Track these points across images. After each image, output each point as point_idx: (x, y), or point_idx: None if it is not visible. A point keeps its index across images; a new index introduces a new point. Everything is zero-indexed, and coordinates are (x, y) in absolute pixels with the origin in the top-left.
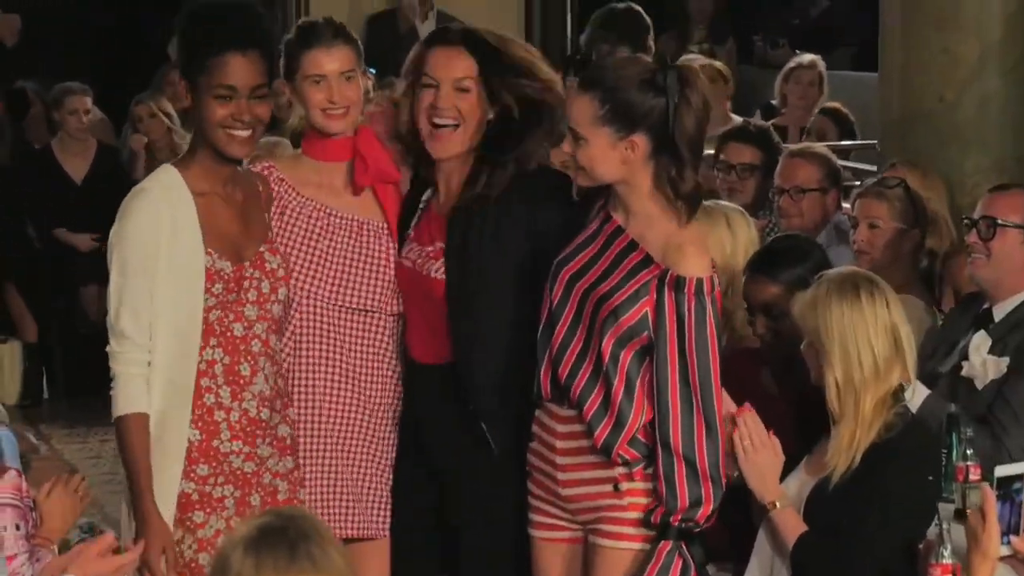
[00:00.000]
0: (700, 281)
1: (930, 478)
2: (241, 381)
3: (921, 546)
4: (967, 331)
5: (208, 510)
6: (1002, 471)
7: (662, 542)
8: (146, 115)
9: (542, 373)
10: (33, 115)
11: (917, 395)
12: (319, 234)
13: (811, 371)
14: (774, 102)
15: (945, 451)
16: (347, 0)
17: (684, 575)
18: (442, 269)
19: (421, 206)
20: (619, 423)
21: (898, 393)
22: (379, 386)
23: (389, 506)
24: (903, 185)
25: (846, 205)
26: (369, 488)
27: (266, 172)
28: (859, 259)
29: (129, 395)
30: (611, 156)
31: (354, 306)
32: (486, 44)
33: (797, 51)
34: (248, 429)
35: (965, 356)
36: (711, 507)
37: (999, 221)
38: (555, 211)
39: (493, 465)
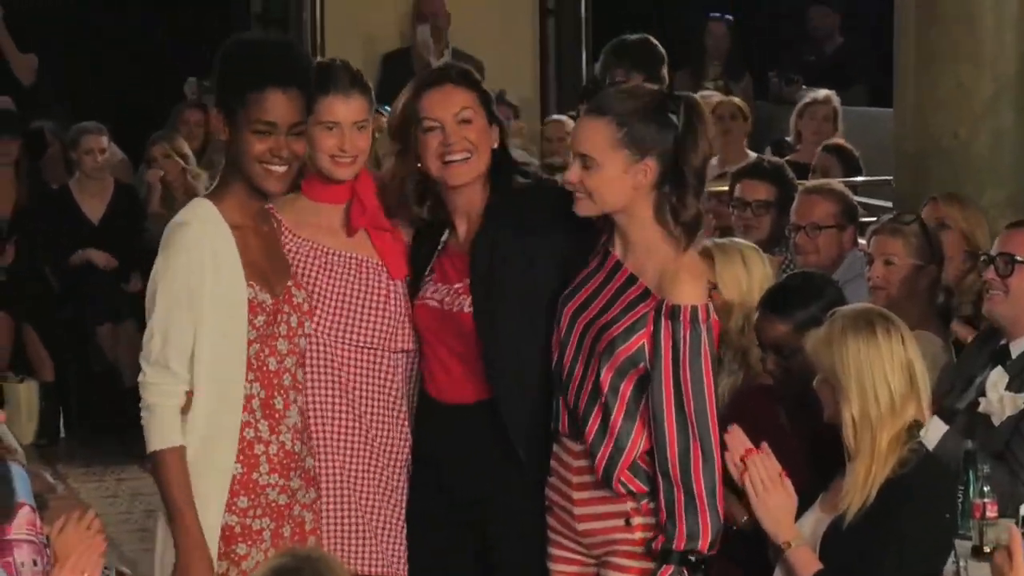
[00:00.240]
0: (695, 309)
1: (946, 516)
2: (276, 415)
3: None
4: (984, 367)
5: (249, 542)
6: None
7: (663, 566)
8: (161, 156)
9: (560, 406)
10: (50, 155)
11: (933, 431)
12: (317, 272)
13: (825, 408)
14: (788, 139)
15: (962, 488)
16: (362, 38)
17: None
18: (470, 301)
19: (439, 247)
20: (617, 448)
21: (912, 429)
22: (385, 423)
23: (404, 544)
24: (919, 221)
25: (862, 241)
26: (383, 525)
27: None
28: (875, 295)
29: (166, 428)
30: (623, 181)
31: (356, 343)
32: (469, 73)
33: (805, 87)
34: (284, 462)
35: (982, 392)
36: (710, 535)
37: (1017, 258)
38: (578, 234)
39: (530, 494)
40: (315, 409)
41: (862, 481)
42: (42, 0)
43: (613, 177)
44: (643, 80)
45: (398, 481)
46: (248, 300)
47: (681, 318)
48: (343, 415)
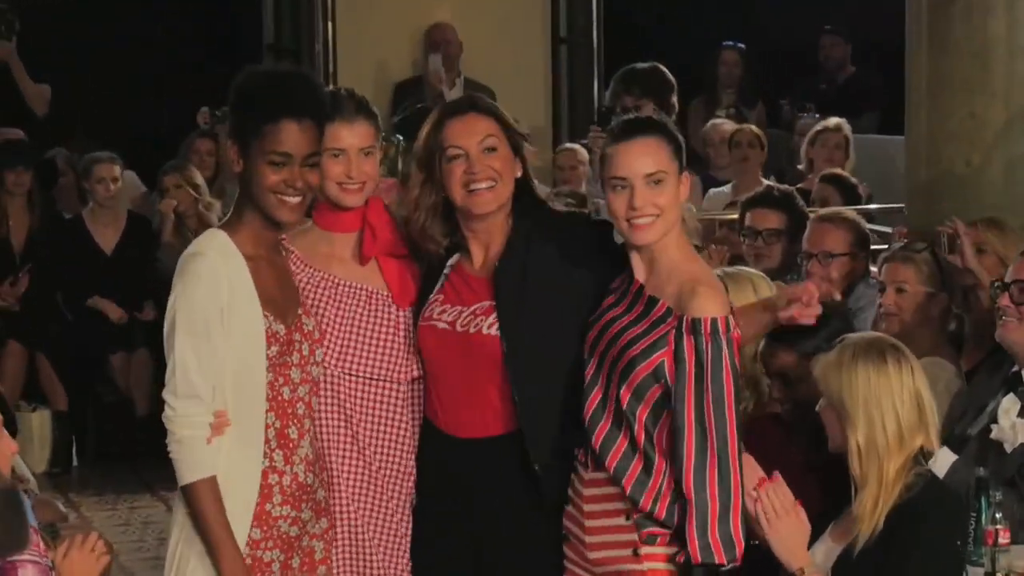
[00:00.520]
0: (715, 321)
1: (956, 540)
2: (291, 444)
3: None
4: (996, 394)
5: (259, 574)
6: None
7: None
8: (172, 186)
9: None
10: (63, 185)
11: (942, 460)
12: (326, 303)
13: (829, 435)
14: (800, 166)
15: (974, 515)
16: (374, 67)
17: None
18: (495, 324)
19: (446, 271)
20: (644, 473)
21: (918, 456)
22: (390, 454)
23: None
24: (930, 249)
25: (873, 269)
26: (388, 556)
27: None
28: (887, 322)
29: (198, 459)
30: (679, 196)
31: (362, 374)
32: (491, 104)
33: (816, 115)
34: (297, 494)
35: (994, 419)
36: (723, 550)
37: None
38: (611, 267)
39: (540, 531)
40: (320, 439)
41: (870, 510)
42: (55, 31)
43: (675, 193)
44: (653, 107)
45: (403, 513)
46: (264, 330)
47: (702, 331)
48: (348, 446)
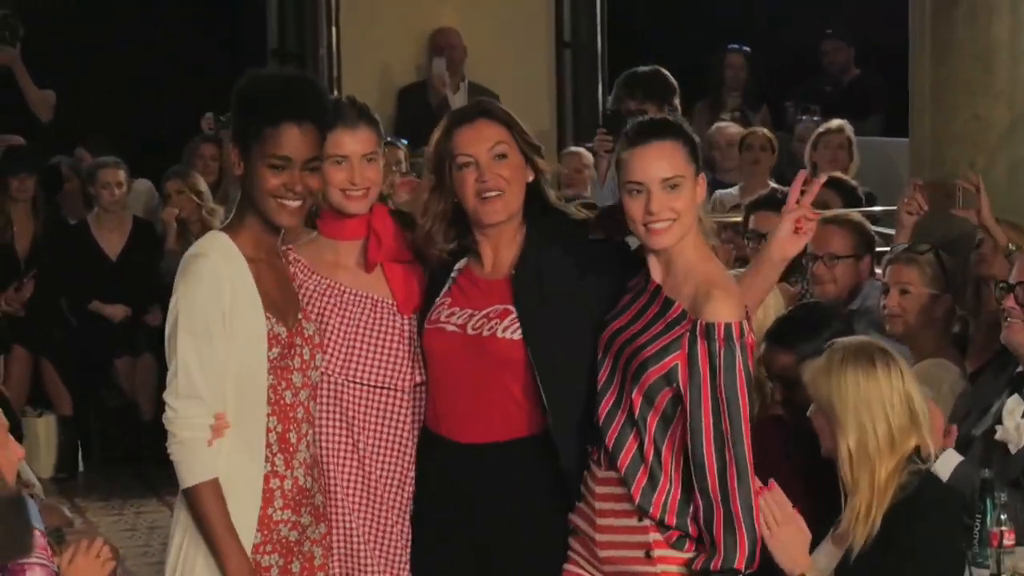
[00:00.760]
0: (729, 326)
1: (957, 539)
2: (291, 449)
3: None
4: (1001, 395)
5: None
6: None
7: None
8: (174, 191)
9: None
10: (68, 190)
11: (945, 461)
12: (331, 310)
13: (822, 440)
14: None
15: (979, 516)
16: (378, 72)
17: None
18: (511, 328)
19: (453, 275)
20: (652, 476)
21: (913, 456)
22: (389, 462)
23: None
24: (934, 251)
25: (879, 271)
26: (386, 563)
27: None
28: (891, 324)
29: (200, 462)
30: (695, 199)
31: (364, 381)
32: (502, 110)
33: (816, 118)
34: (297, 498)
35: (998, 420)
36: (746, 552)
37: None
38: (625, 271)
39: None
40: (320, 446)
41: (863, 515)
42: (59, 36)
43: (692, 196)
44: (656, 110)
45: (402, 522)
46: (266, 332)
47: (716, 336)
48: (347, 454)
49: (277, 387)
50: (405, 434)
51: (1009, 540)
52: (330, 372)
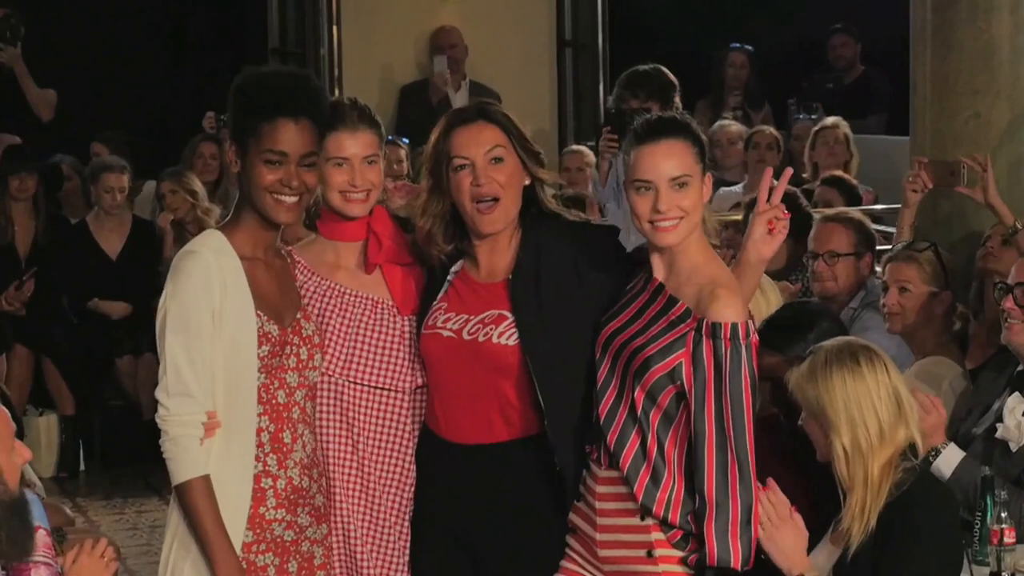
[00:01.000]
0: (735, 326)
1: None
2: (285, 449)
3: None
4: (1002, 393)
5: None
6: None
7: None
8: (168, 192)
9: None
10: (69, 189)
11: (947, 459)
12: (332, 312)
13: (816, 445)
14: (805, 175)
15: (980, 514)
16: (379, 71)
17: None
18: (506, 333)
19: (449, 278)
20: (655, 475)
21: (906, 452)
22: (388, 463)
23: None
24: (933, 248)
25: (879, 269)
26: (383, 565)
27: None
28: (891, 322)
29: (191, 458)
30: (702, 198)
31: (366, 383)
32: (501, 113)
33: (813, 116)
34: (292, 498)
35: (999, 418)
36: (740, 553)
37: None
38: (624, 274)
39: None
40: (320, 447)
41: (859, 512)
42: (60, 35)
43: (699, 194)
44: (659, 108)
45: (402, 523)
46: (256, 330)
47: (721, 335)
48: (347, 455)
49: (269, 386)
50: (405, 435)
51: (1009, 538)
52: (330, 373)
